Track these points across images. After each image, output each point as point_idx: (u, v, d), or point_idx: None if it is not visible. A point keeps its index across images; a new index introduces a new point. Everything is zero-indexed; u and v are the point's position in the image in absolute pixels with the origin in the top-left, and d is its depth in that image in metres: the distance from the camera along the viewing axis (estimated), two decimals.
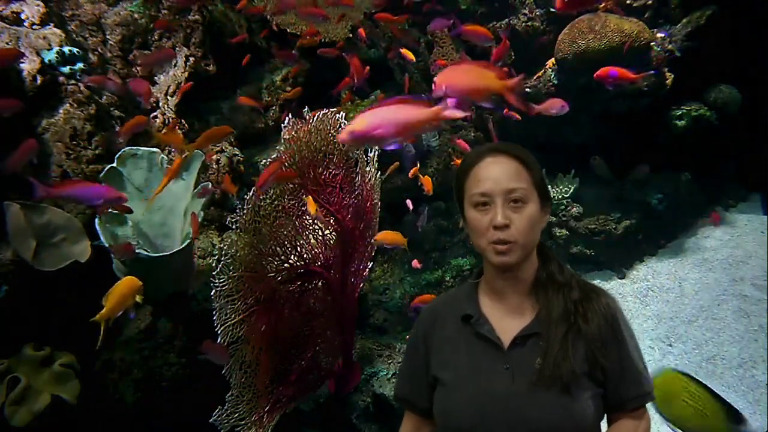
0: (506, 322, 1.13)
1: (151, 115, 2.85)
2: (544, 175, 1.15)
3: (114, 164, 2.26)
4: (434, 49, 4.32)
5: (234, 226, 2.03)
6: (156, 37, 2.99)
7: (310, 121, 2.15)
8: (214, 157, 2.85)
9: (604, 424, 1.13)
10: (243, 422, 2.09)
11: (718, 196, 4.46)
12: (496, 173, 1.10)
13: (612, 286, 3.95)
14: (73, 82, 2.41)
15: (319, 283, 2.18)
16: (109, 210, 2.09)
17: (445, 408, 1.12)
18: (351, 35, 3.66)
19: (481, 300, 1.17)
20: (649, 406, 1.15)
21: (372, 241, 2.34)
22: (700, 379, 1.56)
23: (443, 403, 1.13)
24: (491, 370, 1.09)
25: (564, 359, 1.04)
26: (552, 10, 4.34)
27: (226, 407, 2.08)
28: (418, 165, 3.35)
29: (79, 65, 2.43)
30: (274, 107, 3.44)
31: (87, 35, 2.79)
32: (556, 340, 1.06)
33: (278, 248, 2.12)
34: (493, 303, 1.16)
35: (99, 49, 2.80)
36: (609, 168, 4.18)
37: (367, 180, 2.26)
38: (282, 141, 2.11)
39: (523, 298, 1.14)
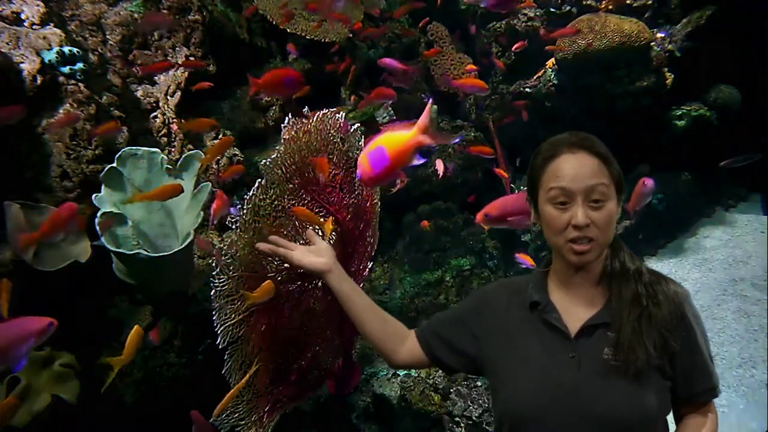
0: (574, 311, 1.11)
1: (151, 116, 2.85)
2: (619, 167, 1.11)
3: (114, 164, 2.26)
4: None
5: (234, 226, 2.03)
6: (156, 37, 2.99)
7: (310, 121, 2.15)
8: None
9: (670, 419, 1.10)
10: (243, 422, 2.09)
11: (718, 196, 4.47)
12: (575, 170, 1.05)
13: None
14: (73, 82, 2.42)
15: (319, 283, 2.17)
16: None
17: (508, 396, 1.10)
18: (351, 35, 3.67)
19: (551, 289, 1.15)
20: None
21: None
22: None
23: (506, 390, 1.11)
24: (557, 359, 1.07)
25: (638, 343, 1.01)
26: (552, 9, 4.34)
27: (225, 407, 2.08)
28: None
29: (79, 65, 2.42)
30: (274, 107, 3.44)
31: (87, 35, 2.79)
32: (629, 324, 1.03)
33: None
34: (562, 292, 1.14)
35: (99, 49, 2.80)
36: None
37: None
38: (281, 141, 2.11)
39: (594, 287, 1.12)
